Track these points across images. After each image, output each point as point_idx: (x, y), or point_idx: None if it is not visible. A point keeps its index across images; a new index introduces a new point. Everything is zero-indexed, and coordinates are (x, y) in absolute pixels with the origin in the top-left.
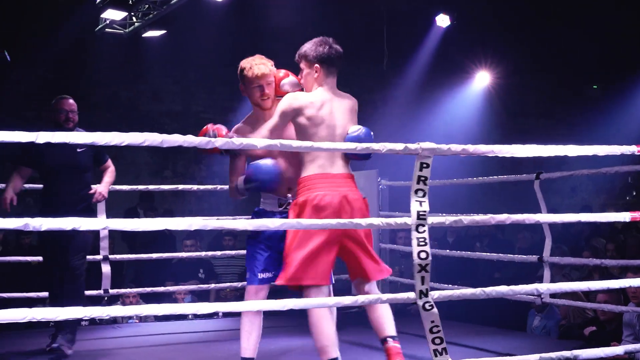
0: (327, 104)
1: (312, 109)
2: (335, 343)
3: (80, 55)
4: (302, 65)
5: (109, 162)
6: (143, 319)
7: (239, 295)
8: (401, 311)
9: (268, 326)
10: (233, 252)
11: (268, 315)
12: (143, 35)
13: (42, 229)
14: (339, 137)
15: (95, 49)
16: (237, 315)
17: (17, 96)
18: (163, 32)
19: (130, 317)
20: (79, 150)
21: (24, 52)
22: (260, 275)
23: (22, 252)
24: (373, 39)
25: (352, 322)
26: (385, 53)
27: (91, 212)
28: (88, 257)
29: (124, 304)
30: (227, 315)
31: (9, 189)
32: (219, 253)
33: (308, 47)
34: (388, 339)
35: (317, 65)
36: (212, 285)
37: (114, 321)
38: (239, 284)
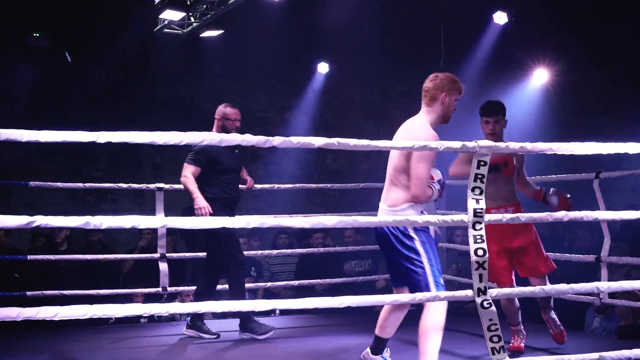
0: None
1: None
2: None
3: (141, 56)
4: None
5: None
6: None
7: (293, 294)
8: (458, 309)
9: (323, 324)
10: (289, 251)
11: (324, 314)
12: (201, 35)
13: (103, 227)
14: None
15: (156, 49)
16: (294, 313)
17: (83, 97)
18: (221, 31)
19: (188, 315)
20: (236, 152)
21: (87, 53)
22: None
23: (91, 250)
24: (429, 37)
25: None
26: (442, 51)
27: None
28: (146, 255)
29: (182, 301)
30: (283, 313)
31: (200, 195)
32: (274, 252)
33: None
34: None
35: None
36: (269, 284)
37: (172, 318)
38: (295, 282)
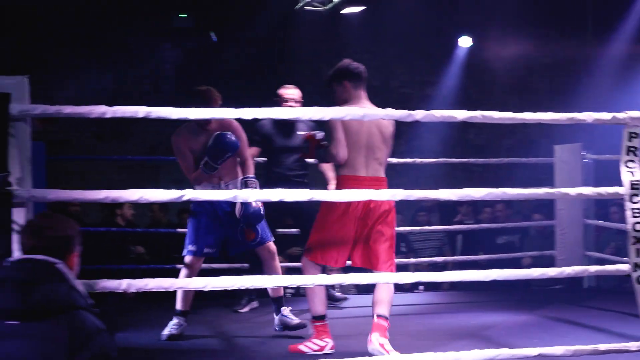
0: None
1: None
2: None
3: (283, 33)
4: None
5: None
6: (345, 290)
7: (436, 269)
8: (613, 290)
9: (467, 301)
10: (430, 228)
11: (469, 290)
12: (342, 12)
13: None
14: None
15: (297, 26)
16: (438, 288)
17: (225, 75)
18: (362, 7)
19: (332, 288)
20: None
21: (229, 32)
22: None
23: None
24: (575, 8)
25: (552, 299)
26: (589, 23)
27: None
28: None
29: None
30: (427, 289)
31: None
32: (417, 228)
33: None
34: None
35: None
36: (413, 260)
37: None
38: (439, 259)
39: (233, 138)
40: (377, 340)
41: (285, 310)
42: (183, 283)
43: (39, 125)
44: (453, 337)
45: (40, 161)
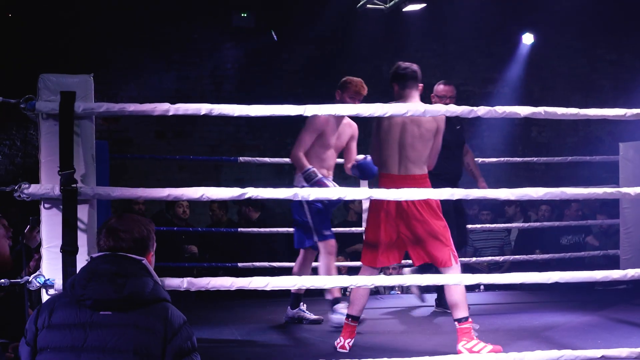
0: None
1: None
2: None
3: (343, 32)
4: None
5: None
6: (405, 290)
7: (496, 268)
8: None
9: (529, 301)
10: (492, 226)
11: (531, 290)
12: (403, 10)
13: (310, 199)
14: None
15: (358, 25)
16: (498, 288)
17: (286, 74)
18: (423, 5)
19: (392, 288)
20: (457, 127)
21: (290, 31)
22: None
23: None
24: None
25: (616, 300)
26: None
27: None
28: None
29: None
30: (488, 288)
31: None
32: (478, 226)
33: None
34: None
35: None
36: (473, 259)
37: (376, 292)
38: (500, 258)
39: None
40: (463, 348)
41: (303, 306)
42: (245, 282)
43: (102, 123)
44: (515, 338)
45: (104, 159)
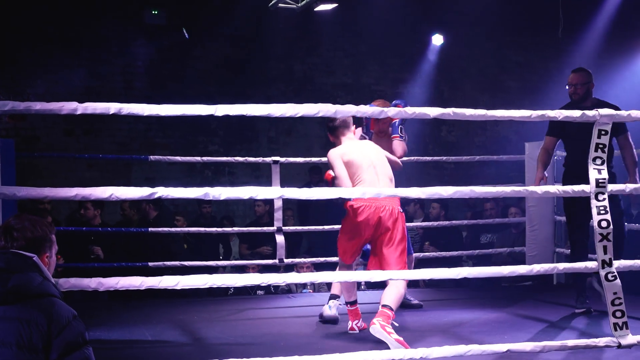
0: None
1: None
2: None
3: (256, 30)
4: None
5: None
6: (317, 288)
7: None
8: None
9: (440, 298)
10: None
11: (440, 287)
12: (315, 9)
13: (221, 198)
14: None
15: (270, 23)
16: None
17: (198, 72)
18: (334, 5)
19: (304, 287)
20: None
21: (202, 29)
22: None
23: (205, 222)
24: (547, 6)
25: (522, 296)
26: (560, 20)
27: None
28: (264, 228)
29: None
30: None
31: (541, 168)
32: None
33: None
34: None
35: None
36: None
37: (288, 290)
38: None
39: None
40: (378, 323)
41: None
42: (155, 281)
43: (8, 121)
44: (424, 334)
45: (9, 158)
